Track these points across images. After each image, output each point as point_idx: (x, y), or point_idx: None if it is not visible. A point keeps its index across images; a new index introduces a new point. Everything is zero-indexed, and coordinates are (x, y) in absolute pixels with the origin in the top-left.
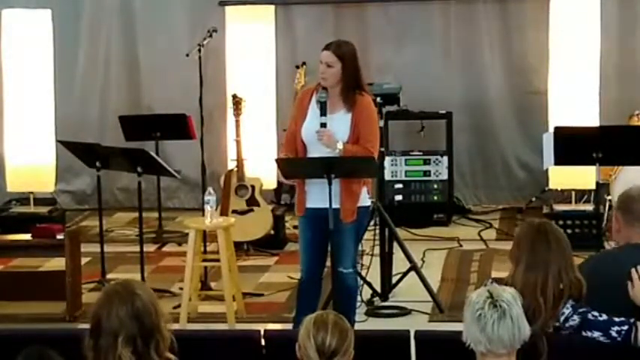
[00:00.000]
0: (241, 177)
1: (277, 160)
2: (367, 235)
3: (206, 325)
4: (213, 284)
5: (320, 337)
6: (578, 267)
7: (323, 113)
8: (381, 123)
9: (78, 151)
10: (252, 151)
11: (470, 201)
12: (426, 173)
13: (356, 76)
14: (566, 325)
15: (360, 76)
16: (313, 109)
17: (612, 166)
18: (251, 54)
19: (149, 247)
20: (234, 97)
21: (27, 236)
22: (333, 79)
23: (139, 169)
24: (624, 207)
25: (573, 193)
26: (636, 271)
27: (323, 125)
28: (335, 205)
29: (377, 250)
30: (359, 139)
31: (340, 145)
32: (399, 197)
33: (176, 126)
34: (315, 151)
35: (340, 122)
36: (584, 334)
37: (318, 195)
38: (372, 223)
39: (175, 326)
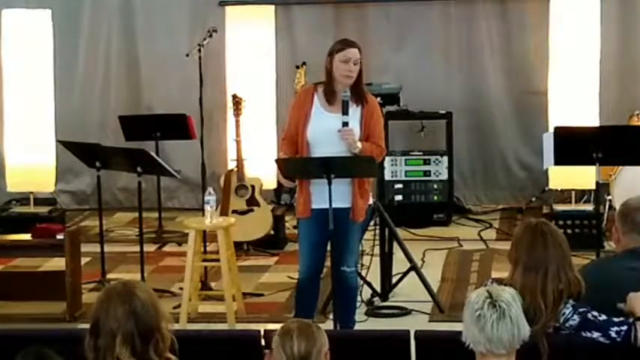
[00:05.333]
0: (241, 177)
1: (277, 160)
2: (367, 235)
3: (206, 325)
4: (213, 284)
5: (287, 346)
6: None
7: (345, 112)
8: None
9: (78, 151)
10: (252, 151)
11: (470, 201)
12: (426, 173)
13: (362, 74)
14: (567, 325)
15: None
16: (318, 108)
17: (612, 166)
18: (251, 54)
19: (149, 247)
20: (234, 97)
21: (27, 236)
22: (355, 77)
23: (139, 169)
24: (623, 217)
25: (573, 193)
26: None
27: (345, 124)
28: (346, 205)
29: (377, 250)
30: (369, 137)
31: (359, 144)
32: (399, 197)
33: (176, 126)
34: (321, 150)
35: (351, 118)
36: (583, 334)
37: (324, 196)
38: (372, 223)
39: (175, 326)
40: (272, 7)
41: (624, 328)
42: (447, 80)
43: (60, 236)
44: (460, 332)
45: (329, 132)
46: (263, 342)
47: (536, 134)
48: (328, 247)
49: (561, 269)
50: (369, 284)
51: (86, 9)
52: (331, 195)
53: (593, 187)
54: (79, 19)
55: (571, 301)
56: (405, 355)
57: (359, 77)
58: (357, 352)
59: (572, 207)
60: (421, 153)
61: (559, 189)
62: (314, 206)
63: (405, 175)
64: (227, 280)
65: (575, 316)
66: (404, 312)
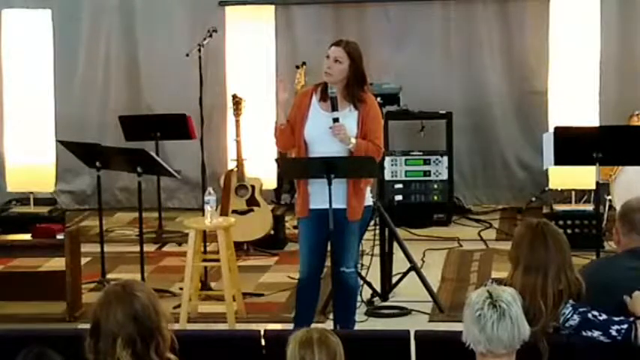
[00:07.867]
0: (241, 177)
1: (277, 160)
2: (367, 235)
3: (206, 325)
4: (213, 284)
5: (308, 358)
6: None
7: (335, 108)
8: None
9: (78, 151)
10: (252, 151)
11: (470, 201)
12: (426, 173)
13: (361, 76)
14: (567, 325)
15: (365, 77)
16: (315, 108)
17: (612, 166)
18: (251, 54)
19: (149, 247)
20: (234, 97)
21: (27, 236)
22: (338, 76)
23: (139, 169)
24: (624, 218)
25: (573, 193)
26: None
27: (336, 120)
28: (341, 205)
29: (377, 250)
30: (366, 135)
31: (354, 140)
32: (399, 197)
33: (176, 126)
34: (319, 150)
35: (347, 119)
36: (584, 333)
37: (321, 196)
38: (372, 223)
39: (175, 326)
40: (272, 7)
41: (625, 326)
42: (447, 80)
43: (60, 236)
44: (460, 332)
45: (325, 131)
46: (263, 342)
47: (536, 134)
48: (329, 248)
49: (562, 270)
50: (369, 284)
51: (86, 9)
52: (331, 195)
53: (593, 187)
54: (79, 19)
55: (571, 302)
56: (405, 355)
57: (353, 78)
58: (357, 352)
59: (572, 207)
60: (421, 153)
61: (559, 189)
62: (312, 206)
63: (405, 175)
64: (227, 280)
65: (575, 316)
66: (404, 312)
